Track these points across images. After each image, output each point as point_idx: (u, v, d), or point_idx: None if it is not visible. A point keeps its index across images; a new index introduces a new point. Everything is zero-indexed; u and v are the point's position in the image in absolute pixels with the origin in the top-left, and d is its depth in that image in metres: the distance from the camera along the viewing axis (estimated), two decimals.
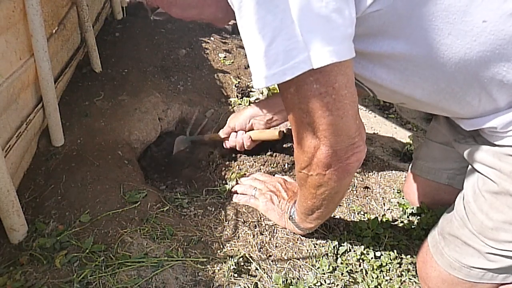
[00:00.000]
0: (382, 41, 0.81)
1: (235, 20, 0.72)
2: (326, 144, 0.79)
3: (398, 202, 1.37)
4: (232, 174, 1.40)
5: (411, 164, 1.37)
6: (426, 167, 1.29)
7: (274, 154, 1.46)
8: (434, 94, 0.89)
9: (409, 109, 2.12)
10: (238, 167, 1.44)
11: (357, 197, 1.38)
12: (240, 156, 1.48)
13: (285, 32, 0.67)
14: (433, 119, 1.29)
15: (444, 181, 1.26)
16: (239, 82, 1.94)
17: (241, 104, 1.81)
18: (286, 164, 1.43)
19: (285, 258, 1.12)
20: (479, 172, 0.96)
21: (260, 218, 1.22)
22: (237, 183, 1.34)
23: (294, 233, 1.18)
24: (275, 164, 1.43)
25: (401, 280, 1.13)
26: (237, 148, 1.43)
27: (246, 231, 1.17)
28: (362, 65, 0.87)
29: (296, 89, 0.74)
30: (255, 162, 1.44)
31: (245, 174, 1.39)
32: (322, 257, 1.13)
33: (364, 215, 1.30)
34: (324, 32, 0.67)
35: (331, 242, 1.17)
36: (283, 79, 0.69)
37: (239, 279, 1.03)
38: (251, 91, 1.86)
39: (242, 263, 1.07)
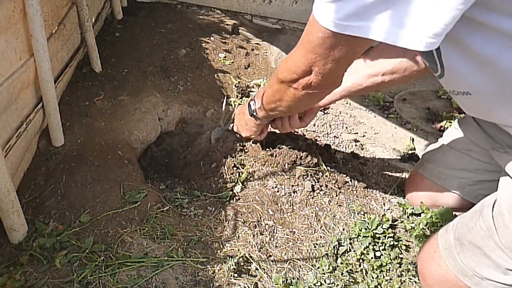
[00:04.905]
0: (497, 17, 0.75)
1: None
2: (317, 79, 0.92)
3: (398, 202, 1.37)
4: (233, 174, 1.40)
5: (418, 165, 1.35)
6: (437, 172, 1.27)
7: (274, 154, 1.46)
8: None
9: (409, 109, 2.12)
10: (238, 169, 1.43)
11: (357, 197, 1.38)
12: (241, 156, 1.48)
13: (398, 7, 0.68)
14: (454, 125, 1.26)
15: (453, 189, 1.24)
16: (239, 82, 1.94)
17: (241, 104, 1.81)
18: (286, 164, 1.43)
19: (285, 258, 1.12)
20: None
21: (260, 218, 1.22)
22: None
23: (293, 232, 1.18)
24: (275, 164, 1.43)
25: (401, 280, 1.13)
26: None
27: (246, 231, 1.17)
28: (470, 32, 0.81)
29: (348, 46, 0.81)
30: (255, 162, 1.44)
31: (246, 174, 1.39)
32: (322, 257, 1.13)
33: (364, 215, 1.30)
34: (429, 25, 0.68)
35: (331, 242, 1.17)
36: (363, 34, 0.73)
37: (239, 279, 1.03)
38: (251, 91, 1.87)
39: (242, 263, 1.07)
